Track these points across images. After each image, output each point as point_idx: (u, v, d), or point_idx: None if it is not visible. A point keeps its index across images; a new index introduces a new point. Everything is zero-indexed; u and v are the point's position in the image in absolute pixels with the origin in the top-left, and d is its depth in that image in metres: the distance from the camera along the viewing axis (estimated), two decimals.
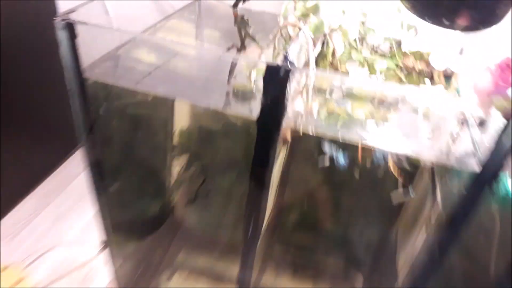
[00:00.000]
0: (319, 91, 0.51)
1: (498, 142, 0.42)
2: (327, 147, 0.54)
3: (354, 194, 0.83)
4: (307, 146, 0.77)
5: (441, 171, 0.59)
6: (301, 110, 0.51)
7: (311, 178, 0.84)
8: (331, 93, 0.51)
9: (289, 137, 0.53)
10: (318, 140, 0.68)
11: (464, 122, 0.48)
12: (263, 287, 0.94)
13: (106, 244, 0.83)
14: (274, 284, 0.95)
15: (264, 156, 0.52)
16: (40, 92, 1.13)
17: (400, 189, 0.60)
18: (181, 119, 0.92)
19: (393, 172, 0.54)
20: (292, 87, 0.48)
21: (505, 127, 0.41)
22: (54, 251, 1.02)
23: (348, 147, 0.61)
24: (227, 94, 0.56)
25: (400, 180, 0.60)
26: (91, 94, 0.62)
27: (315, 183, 0.84)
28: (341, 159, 0.55)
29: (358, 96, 0.51)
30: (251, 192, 0.59)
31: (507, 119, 0.43)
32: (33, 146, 1.15)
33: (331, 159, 0.61)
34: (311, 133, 0.50)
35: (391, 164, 0.54)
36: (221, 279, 0.94)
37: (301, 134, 0.50)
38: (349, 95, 0.52)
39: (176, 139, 0.93)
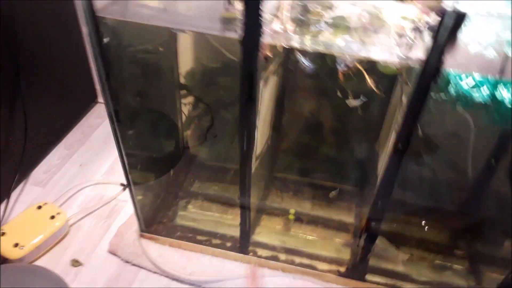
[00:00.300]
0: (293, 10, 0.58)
1: (435, 40, 0.48)
2: (302, 58, 0.61)
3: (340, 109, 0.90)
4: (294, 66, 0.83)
5: (405, 74, 0.66)
6: (278, 29, 0.57)
7: (302, 99, 0.92)
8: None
9: (270, 53, 0.60)
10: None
11: (416, 28, 0.54)
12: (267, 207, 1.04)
13: (126, 186, 0.92)
14: (276, 205, 1.04)
15: (249, 71, 0.60)
16: (61, 53, 1.21)
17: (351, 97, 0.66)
18: (186, 60, 0.99)
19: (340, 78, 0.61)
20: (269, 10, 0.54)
21: (439, 25, 0.47)
22: (82, 191, 1.14)
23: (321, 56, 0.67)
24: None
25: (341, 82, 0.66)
26: (106, 34, 0.69)
27: (306, 103, 0.91)
28: (309, 65, 0.62)
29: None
30: (242, 110, 0.67)
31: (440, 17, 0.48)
32: (57, 102, 1.25)
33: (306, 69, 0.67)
34: (286, 46, 0.56)
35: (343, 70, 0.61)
36: (232, 204, 1.04)
37: (279, 49, 0.57)
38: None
39: (182, 79, 1.01)
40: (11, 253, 0.91)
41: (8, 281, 0.79)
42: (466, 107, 0.67)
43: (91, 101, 1.42)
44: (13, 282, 0.80)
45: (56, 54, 1.19)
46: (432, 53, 0.50)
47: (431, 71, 0.51)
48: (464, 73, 0.63)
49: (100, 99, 1.42)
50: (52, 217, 0.99)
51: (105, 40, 0.71)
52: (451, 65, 0.52)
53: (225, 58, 0.95)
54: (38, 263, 0.95)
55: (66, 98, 1.30)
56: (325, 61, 0.77)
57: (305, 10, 0.62)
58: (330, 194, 1.03)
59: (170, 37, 0.94)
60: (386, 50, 0.57)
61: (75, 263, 0.95)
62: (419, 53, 0.54)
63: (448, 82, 0.65)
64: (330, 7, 0.63)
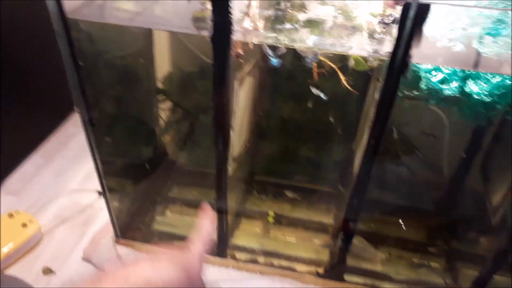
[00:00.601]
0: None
1: (400, 32, 0.49)
2: (268, 51, 0.61)
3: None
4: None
5: (377, 71, 0.67)
6: (249, 27, 0.58)
7: (278, 101, 0.92)
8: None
9: (241, 51, 0.60)
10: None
11: (381, 22, 0.55)
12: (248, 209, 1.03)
13: (102, 194, 0.91)
14: (256, 208, 1.04)
15: (221, 69, 0.60)
16: (39, 63, 1.19)
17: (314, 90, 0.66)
18: (162, 65, 0.99)
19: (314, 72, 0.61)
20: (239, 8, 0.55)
21: (402, 17, 0.48)
22: (57, 199, 1.12)
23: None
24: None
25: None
26: (76, 37, 0.68)
27: (283, 105, 0.91)
28: (276, 60, 0.62)
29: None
30: (216, 109, 0.66)
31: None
32: (33, 110, 1.23)
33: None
34: (256, 42, 0.57)
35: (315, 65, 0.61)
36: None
37: (251, 46, 0.57)
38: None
39: (159, 84, 1.00)
40: None
41: None
42: (438, 103, 0.68)
43: (68, 109, 1.40)
44: None
45: (32, 61, 1.18)
46: (397, 45, 0.50)
47: (398, 63, 0.52)
48: (433, 67, 0.65)
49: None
50: (24, 225, 0.96)
51: (77, 43, 0.70)
52: (419, 58, 0.53)
53: (202, 61, 0.95)
54: (9, 272, 0.91)
55: (42, 107, 1.27)
56: (300, 61, 0.77)
57: (278, 10, 0.63)
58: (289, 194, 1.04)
59: (146, 42, 0.94)
60: (358, 46, 0.58)
61: (47, 271, 0.92)
62: (388, 47, 0.55)
63: (418, 78, 0.66)
64: (303, 8, 0.64)
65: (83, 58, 0.74)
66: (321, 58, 0.66)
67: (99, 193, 1.11)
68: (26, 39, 1.13)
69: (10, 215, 0.99)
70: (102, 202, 1.08)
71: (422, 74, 0.66)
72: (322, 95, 0.62)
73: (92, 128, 0.79)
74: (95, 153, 0.83)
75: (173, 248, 0.50)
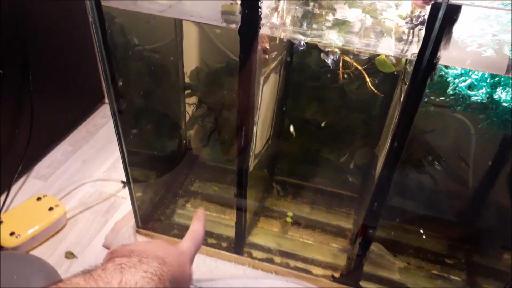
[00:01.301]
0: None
1: (427, 33, 0.48)
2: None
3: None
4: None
5: (404, 74, 0.66)
6: (276, 21, 0.58)
7: (303, 101, 0.92)
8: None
9: (267, 45, 0.61)
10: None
11: (409, 22, 0.54)
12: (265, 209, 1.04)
13: (125, 184, 0.93)
14: (275, 208, 1.04)
15: (247, 63, 0.61)
16: (71, 52, 1.24)
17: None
18: (190, 60, 1.00)
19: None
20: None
21: (430, 18, 0.47)
22: (83, 187, 1.15)
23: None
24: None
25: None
26: (109, 28, 0.70)
27: (307, 106, 0.91)
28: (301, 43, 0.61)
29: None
30: (240, 103, 0.67)
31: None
32: (64, 99, 1.28)
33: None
34: (284, 38, 0.57)
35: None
36: (230, 205, 1.03)
37: (277, 41, 0.58)
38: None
39: (186, 79, 1.02)
40: (7, 241, 0.91)
41: (1, 267, 0.80)
42: (464, 110, 0.66)
43: (98, 101, 1.44)
44: (6, 269, 0.80)
45: (66, 53, 1.22)
46: (424, 46, 0.50)
47: (425, 65, 0.51)
48: (461, 72, 0.63)
49: (107, 100, 1.44)
50: (51, 208, 1.00)
51: (110, 34, 0.73)
52: (447, 60, 0.52)
53: (229, 58, 0.96)
54: (33, 253, 0.95)
55: (73, 97, 1.32)
56: (325, 61, 0.77)
57: (307, 8, 0.63)
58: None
59: (176, 36, 0.96)
60: (385, 47, 0.58)
61: (69, 255, 0.95)
62: (415, 49, 0.54)
63: (446, 83, 0.65)
64: (331, 9, 0.64)
65: (115, 49, 0.76)
66: (346, 58, 0.66)
67: (123, 183, 1.14)
68: (60, 29, 1.17)
69: (38, 199, 1.02)
70: (125, 192, 1.11)
71: (450, 79, 0.64)
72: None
73: (120, 118, 0.82)
74: (122, 143, 0.85)
75: (169, 244, 0.52)
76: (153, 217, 1.01)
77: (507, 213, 0.83)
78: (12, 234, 0.92)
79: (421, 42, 0.51)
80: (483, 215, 0.88)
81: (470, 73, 0.63)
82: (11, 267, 0.81)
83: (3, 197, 1.05)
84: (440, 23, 0.48)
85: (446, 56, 0.51)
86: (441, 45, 0.50)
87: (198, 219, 0.61)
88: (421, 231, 0.95)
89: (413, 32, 0.54)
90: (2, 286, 0.76)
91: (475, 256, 0.91)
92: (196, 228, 0.60)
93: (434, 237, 0.95)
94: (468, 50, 0.55)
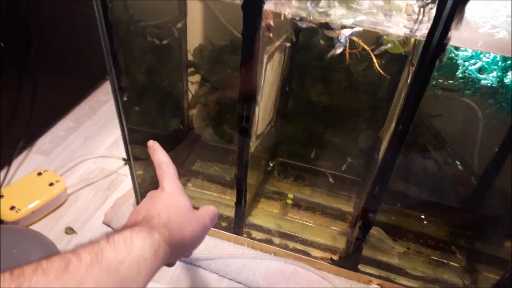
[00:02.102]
0: None
1: (438, 12, 0.46)
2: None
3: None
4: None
5: (412, 55, 0.64)
6: None
7: (307, 81, 0.90)
8: None
9: (272, 22, 0.59)
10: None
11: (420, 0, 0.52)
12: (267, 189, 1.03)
13: (127, 161, 0.92)
14: (275, 189, 1.03)
15: (251, 40, 0.59)
16: (74, 28, 1.22)
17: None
18: (194, 37, 0.98)
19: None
20: None
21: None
22: (84, 163, 1.15)
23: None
24: None
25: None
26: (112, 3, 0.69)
27: (312, 86, 0.90)
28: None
29: None
30: (242, 81, 0.66)
31: None
32: (67, 75, 1.26)
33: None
34: (287, 13, 0.55)
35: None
36: (230, 185, 1.03)
37: (282, 18, 0.56)
38: None
39: (190, 57, 1.00)
40: (7, 215, 0.91)
41: (1, 241, 0.80)
42: (473, 94, 0.65)
43: (101, 77, 1.42)
44: (5, 242, 0.80)
45: (69, 27, 1.20)
46: (435, 25, 0.48)
47: (435, 45, 0.49)
48: (471, 54, 0.61)
49: None
50: (51, 184, 1.00)
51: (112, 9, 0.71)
52: (458, 41, 0.50)
53: (234, 36, 0.94)
54: (33, 227, 0.95)
55: (76, 73, 1.30)
56: (332, 40, 0.75)
57: None
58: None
59: (179, 13, 0.93)
60: (394, 27, 0.56)
61: (69, 230, 0.95)
62: (425, 29, 0.52)
63: (455, 66, 0.63)
64: None
65: (117, 24, 0.74)
66: (355, 38, 0.64)
67: (125, 160, 1.13)
68: (63, 3, 1.15)
69: (39, 174, 1.02)
70: (126, 169, 1.11)
71: (460, 61, 0.62)
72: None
73: (121, 95, 0.80)
74: (122, 120, 0.84)
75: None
76: None
77: (511, 200, 0.82)
78: (12, 208, 0.92)
79: (431, 21, 0.49)
80: (486, 202, 0.87)
81: (481, 55, 0.61)
82: (10, 241, 0.82)
83: (3, 171, 1.05)
84: (452, 2, 0.46)
85: (457, 36, 0.49)
86: (452, 25, 0.48)
87: (154, 152, 0.57)
88: (423, 216, 0.94)
89: (423, 11, 0.52)
90: (2, 259, 0.76)
91: (476, 243, 0.91)
92: (161, 160, 0.56)
93: (435, 223, 0.94)
94: (480, 31, 0.53)
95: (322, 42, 0.74)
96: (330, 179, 1.00)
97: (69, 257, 0.35)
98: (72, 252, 0.36)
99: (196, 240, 0.51)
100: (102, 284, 0.35)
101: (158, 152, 0.57)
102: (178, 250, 0.47)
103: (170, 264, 0.50)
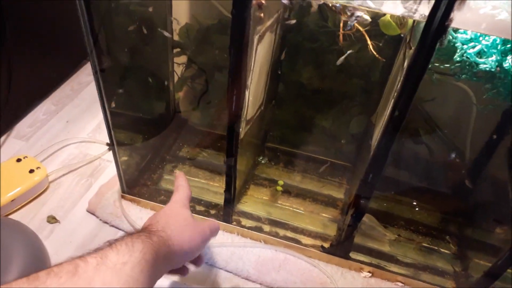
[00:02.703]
0: None
1: None
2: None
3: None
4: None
5: (409, 37, 0.61)
6: None
7: (299, 64, 0.87)
8: None
9: (264, 0, 0.56)
10: None
11: None
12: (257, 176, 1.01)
13: (111, 146, 0.88)
14: (265, 175, 1.01)
15: (240, 18, 0.55)
16: (55, 7, 1.16)
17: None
18: (180, 16, 0.94)
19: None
20: None
21: None
22: (66, 148, 1.10)
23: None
24: None
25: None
26: None
27: (303, 69, 0.87)
28: None
29: None
30: (232, 65, 0.62)
31: None
32: (46, 56, 1.20)
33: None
34: None
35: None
36: (219, 172, 1.00)
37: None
38: None
39: (176, 36, 0.96)
40: None
41: None
42: (469, 79, 0.62)
43: (83, 57, 1.37)
44: None
45: (47, 3, 1.14)
46: (437, 5, 0.45)
47: (436, 26, 0.46)
48: (471, 37, 0.59)
49: None
50: (31, 171, 0.96)
51: None
52: (459, 23, 0.48)
53: (222, 15, 0.90)
54: (13, 217, 0.91)
55: (56, 52, 1.25)
56: (325, 21, 0.72)
57: None
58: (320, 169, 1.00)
59: None
60: (391, 5, 0.53)
61: (51, 219, 0.92)
62: (425, 9, 0.49)
63: (454, 48, 0.61)
64: None
65: (97, 0, 0.70)
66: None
67: (108, 145, 1.09)
68: None
69: (18, 160, 0.98)
70: (111, 155, 1.07)
71: (458, 44, 0.60)
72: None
73: (102, 77, 0.76)
74: (104, 103, 0.80)
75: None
76: (139, 182, 0.98)
77: (502, 187, 0.81)
78: None
79: (432, 1, 0.46)
80: (478, 188, 0.86)
81: (481, 38, 0.59)
82: None
83: None
84: None
85: (459, 18, 0.47)
86: (455, 5, 0.45)
87: (177, 178, 0.68)
88: (414, 203, 0.93)
89: None
90: None
91: (467, 230, 0.90)
92: (180, 183, 0.67)
93: (426, 209, 0.93)
94: (481, 12, 0.50)
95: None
96: (320, 169, 0.98)
97: (77, 261, 0.41)
98: (79, 257, 0.41)
99: (196, 246, 0.55)
100: (109, 284, 0.39)
101: (180, 178, 0.68)
102: (178, 254, 0.51)
103: (180, 270, 0.59)
